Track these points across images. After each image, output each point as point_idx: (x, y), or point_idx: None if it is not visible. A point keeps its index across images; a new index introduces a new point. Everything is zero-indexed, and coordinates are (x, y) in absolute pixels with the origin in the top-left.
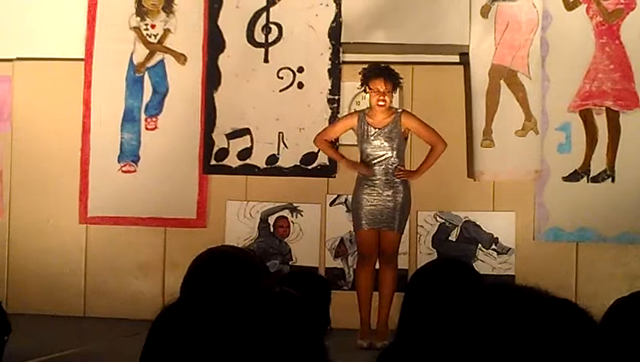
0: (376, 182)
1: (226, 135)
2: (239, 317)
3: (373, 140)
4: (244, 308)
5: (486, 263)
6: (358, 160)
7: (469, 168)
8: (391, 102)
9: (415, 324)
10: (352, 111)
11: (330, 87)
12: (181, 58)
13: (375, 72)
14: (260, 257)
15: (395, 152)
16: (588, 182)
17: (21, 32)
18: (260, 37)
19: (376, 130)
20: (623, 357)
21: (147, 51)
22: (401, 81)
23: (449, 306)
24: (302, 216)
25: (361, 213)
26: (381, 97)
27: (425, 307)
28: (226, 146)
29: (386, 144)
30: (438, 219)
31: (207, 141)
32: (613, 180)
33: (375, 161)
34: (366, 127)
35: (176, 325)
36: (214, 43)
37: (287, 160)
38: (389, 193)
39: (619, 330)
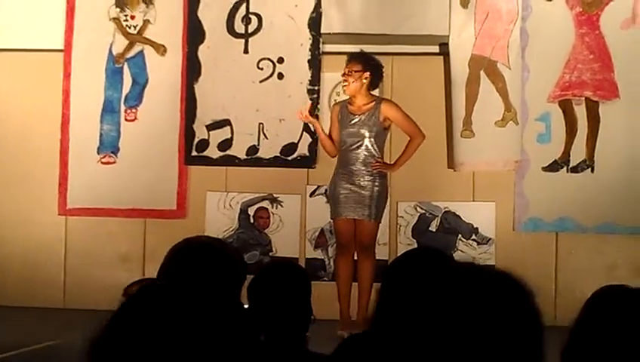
0: (353, 170)
1: (207, 126)
2: (210, 308)
3: (351, 127)
4: (215, 299)
5: (466, 253)
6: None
7: (449, 158)
8: (361, 84)
9: (390, 313)
10: (337, 102)
11: (310, 78)
12: (161, 49)
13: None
14: (236, 248)
15: (372, 140)
16: (567, 172)
17: None
18: (239, 27)
19: (355, 116)
20: (600, 351)
21: (127, 42)
22: (372, 64)
23: (426, 296)
24: (282, 206)
25: (337, 202)
26: (343, 79)
27: (401, 296)
28: (206, 137)
29: (363, 131)
30: (418, 209)
31: (188, 132)
32: (592, 170)
33: (352, 148)
34: (346, 114)
35: (145, 308)
36: (194, 34)
37: (267, 151)
38: (366, 182)
39: (595, 325)
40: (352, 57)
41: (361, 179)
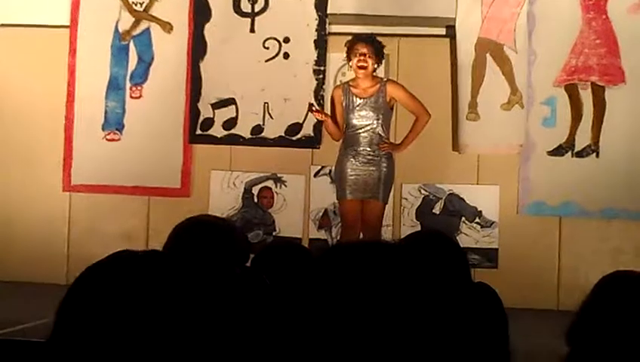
0: (361, 151)
1: (212, 105)
2: (210, 288)
3: (358, 110)
4: (217, 278)
5: (470, 236)
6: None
7: (454, 141)
8: (373, 68)
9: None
10: (337, 84)
11: (316, 58)
12: (167, 27)
13: (356, 38)
14: (240, 227)
15: (380, 122)
16: (572, 156)
17: None
18: (246, 6)
19: (362, 99)
20: (608, 336)
21: (133, 19)
22: (383, 49)
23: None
24: (286, 186)
25: (344, 183)
26: (362, 59)
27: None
28: (211, 116)
29: (371, 114)
30: (422, 191)
31: (193, 110)
32: (597, 155)
33: (360, 131)
34: (351, 98)
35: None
36: (200, 12)
37: (272, 130)
38: (373, 163)
39: (604, 310)
40: (368, 40)
41: (369, 161)
